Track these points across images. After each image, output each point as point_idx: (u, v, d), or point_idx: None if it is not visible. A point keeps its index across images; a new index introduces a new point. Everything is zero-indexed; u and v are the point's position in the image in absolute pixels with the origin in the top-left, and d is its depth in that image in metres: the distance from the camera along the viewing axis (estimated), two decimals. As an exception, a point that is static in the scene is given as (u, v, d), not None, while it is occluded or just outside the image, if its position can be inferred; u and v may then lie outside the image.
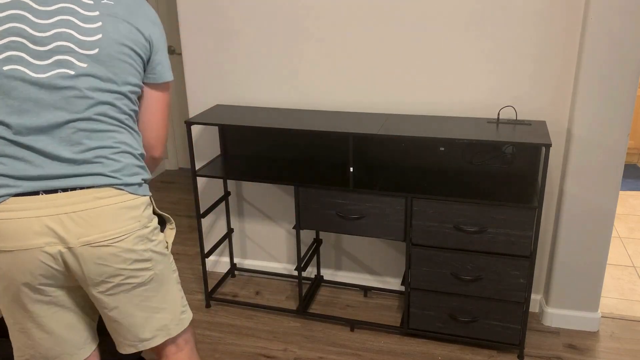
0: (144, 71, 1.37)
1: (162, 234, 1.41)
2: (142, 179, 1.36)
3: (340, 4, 2.29)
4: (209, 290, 2.64)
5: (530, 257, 2.04)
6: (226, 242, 2.83)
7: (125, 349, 1.42)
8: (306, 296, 2.59)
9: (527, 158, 2.23)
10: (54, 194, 1.23)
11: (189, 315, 1.49)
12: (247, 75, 2.52)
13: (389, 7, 2.25)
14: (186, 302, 1.49)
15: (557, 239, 2.29)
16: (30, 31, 1.19)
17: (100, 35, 1.25)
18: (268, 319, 2.50)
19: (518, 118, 2.24)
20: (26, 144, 1.21)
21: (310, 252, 2.58)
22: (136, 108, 1.37)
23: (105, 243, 1.26)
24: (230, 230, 2.76)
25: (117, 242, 1.27)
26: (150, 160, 1.56)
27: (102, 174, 1.27)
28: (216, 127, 2.63)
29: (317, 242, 2.66)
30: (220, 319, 2.50)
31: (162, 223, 1.45)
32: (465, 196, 2.04)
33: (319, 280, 2.74)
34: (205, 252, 2.55)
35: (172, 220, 1.47)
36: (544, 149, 1.94)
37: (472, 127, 2.12)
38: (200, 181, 2.75)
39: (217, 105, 2.55)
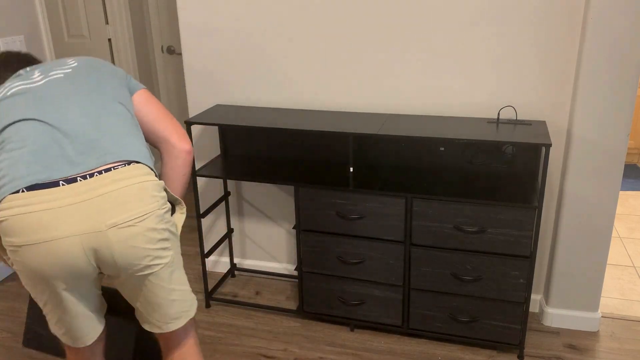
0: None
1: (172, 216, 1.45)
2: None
3: (340, 4, 2.29)
4: (209, 290, 2.64)
5: (530, 257, 2.04)
6: (226, 242, 2.83)
7: (152, 329, 1.47)
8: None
9: (527, 158, 2.23)
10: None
11: (195, 299, 1.53)
12: (247, 75, 2.52)
13: (389, 7, 2.25)
14: None
15: (557, 239, 2.29)
16: None
17: None
18: (268, 319, 2.50)
19: (518, 118, 2.24)
20: None
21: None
22: None
23: (130, 223, 1.28)
24: (230, 230, 2.76)
25: (141, 222, 1.29)
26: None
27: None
28: (216, 127, 2.63)
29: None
30: (220, 319, 2.50)
31: (172, 208, 1.48)
32: (465, 196, 2.04)
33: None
34: (205, 252, 2.55)
35: (184, 205, 1.49)
36: (544, 149, 1.94)
37: (472, 127, 2.12)
38: (200, 181, 2.75)
39: (217, 105, 2.55)
